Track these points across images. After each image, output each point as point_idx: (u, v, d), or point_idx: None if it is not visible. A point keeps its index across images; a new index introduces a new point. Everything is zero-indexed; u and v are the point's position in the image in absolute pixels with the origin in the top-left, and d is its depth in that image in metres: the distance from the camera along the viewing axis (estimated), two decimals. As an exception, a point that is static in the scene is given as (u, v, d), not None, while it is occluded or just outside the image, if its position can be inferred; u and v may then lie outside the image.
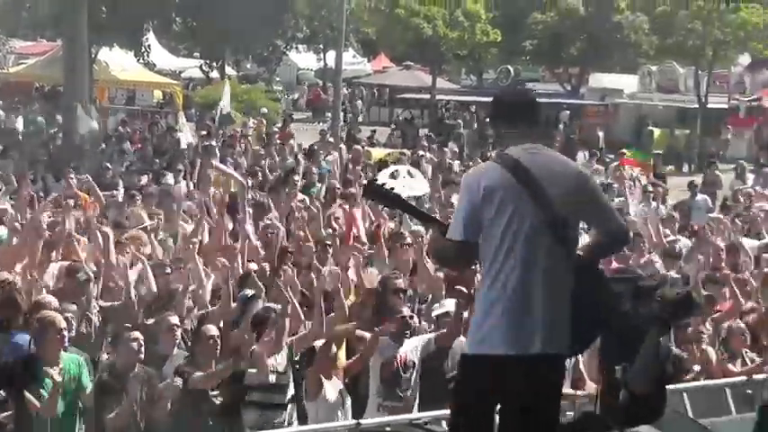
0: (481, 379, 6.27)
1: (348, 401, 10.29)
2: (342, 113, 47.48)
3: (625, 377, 6.77)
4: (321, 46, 60.38)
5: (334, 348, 10.38)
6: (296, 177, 21.00)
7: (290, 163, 24.80)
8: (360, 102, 53.64)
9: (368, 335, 10.45)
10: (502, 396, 6.27)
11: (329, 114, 43.96)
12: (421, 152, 28.79)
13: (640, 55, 48.08)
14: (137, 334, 10.03)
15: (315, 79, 64.63)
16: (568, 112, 46.84)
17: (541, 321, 6.12)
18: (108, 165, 23.52)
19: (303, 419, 10.12)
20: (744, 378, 11.14)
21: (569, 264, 6.20)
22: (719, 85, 47.95)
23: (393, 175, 20.05)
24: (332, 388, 10.13)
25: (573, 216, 6.27)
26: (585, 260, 6.33)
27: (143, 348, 9.96)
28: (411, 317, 10.83)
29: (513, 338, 6.12)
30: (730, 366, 11.42)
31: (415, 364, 10.56)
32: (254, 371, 9.93)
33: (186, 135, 29.47)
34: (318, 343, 10.48)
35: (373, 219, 16.62)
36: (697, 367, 11.33)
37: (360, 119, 49.73)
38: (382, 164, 24.52)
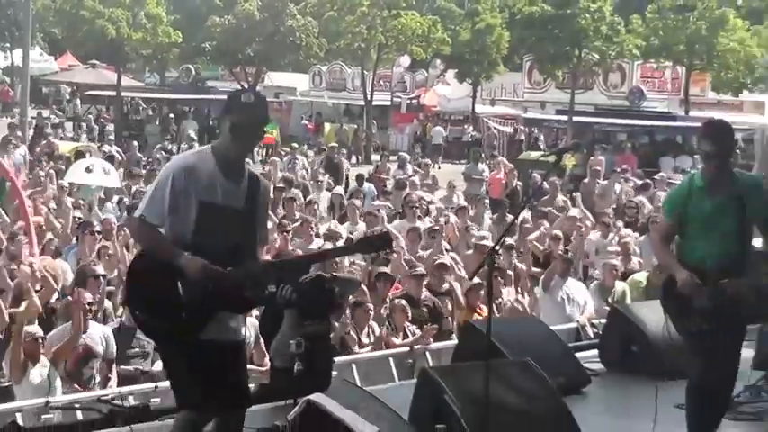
0: None
1: (57, 382, 10.02)
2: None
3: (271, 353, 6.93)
4: (8, 44, 58.37)
5: (37, 332, 10.11)
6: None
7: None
8: (79, 101, 52.01)
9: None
10: None
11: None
12: (107, 147, 28.41)
13: (311, 56, 48.65)
14: None
15: (2, 76, 62.44)
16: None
17: None
18: None
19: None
20: (406, 349, 11.51)
21: None
22: (383, 84, 49.09)
23: (89, 169, 19.84)
24: (37, 371, 9.87)
25: None
26: None
27: None
28: (91, 303, 10.68)
29: None
30: (393, 339, 11.76)
31: (100, 353, 10.43)
32: None
33: None
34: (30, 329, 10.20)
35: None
36: (366, 340, 11.61)
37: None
38: (78, 156, 24.04)
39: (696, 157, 37.54)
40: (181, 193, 6.00)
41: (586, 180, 25.80)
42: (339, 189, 22.98)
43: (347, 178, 28.34)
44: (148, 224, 6.07)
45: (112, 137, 37.48)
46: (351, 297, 11.32)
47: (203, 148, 6.45)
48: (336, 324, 11.21)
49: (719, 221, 6.95)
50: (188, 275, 5.95)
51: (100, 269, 12.04)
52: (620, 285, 14.08)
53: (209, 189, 6.02)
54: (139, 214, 6.10)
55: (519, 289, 14.25)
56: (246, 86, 49.27)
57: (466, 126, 48.11)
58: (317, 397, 7.09)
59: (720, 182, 6.96)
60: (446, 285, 13.18)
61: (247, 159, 6.60)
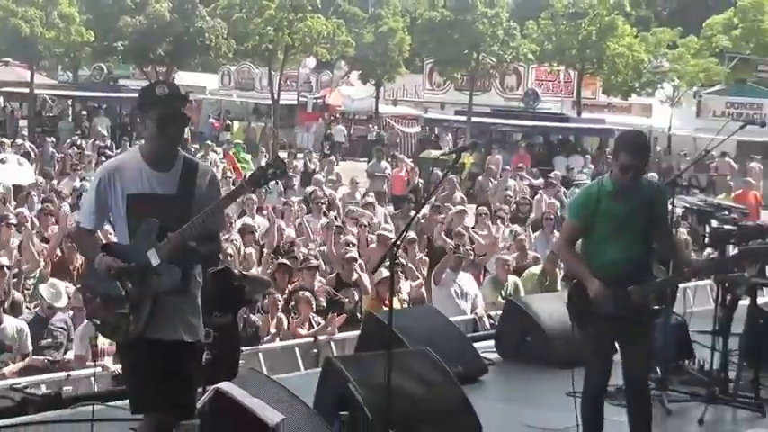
0: None
1: None
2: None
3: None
4: None
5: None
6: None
7: None
8: (2, 98, 51.05)
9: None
10: None
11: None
12: (20, 141, 28.00)
13: (220, 56, 48.31)
14: None
15: None
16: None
17: None
18: None
19: None
20: (311, 339, 11.50)
21: None
22: (289, 84, 48.92)
23: (2, 161, 19.45)
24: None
25: None
26: None
27: None
28: None
29: None
30: (299, 329, 11.73)
31: (13, 347, 10.29)
32: None
33: None
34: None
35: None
36: (273, 331, 11.57)
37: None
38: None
39: (588, 156, 38.19)
40: (108, 193, 5.91)
41: (480, 178, 26.10)
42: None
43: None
44: (81, 229, 6.14)
45: (26, 132, 36.90)
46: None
47: (131, 149, 6.39)
48: (255, 318, 11.23)
49: (629, 225, 6.91)
50: (102, 274, 5.87)
51: (4, 260, 11.81)
52: (512, 279, 14.19)
53: (135, 182, 5.90)
54: (76, 221, 6.14)
55: (417, 282, 14.30)
56: (157, 85, 48.91)
57: (370, 125, 48.19)
58: (225, 385, 7.05)
59: (631, 187, 6.94)
60: (355, 276, 13.20)
61: None
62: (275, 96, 45.40)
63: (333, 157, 32.44)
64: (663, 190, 7.32)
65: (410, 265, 14.30)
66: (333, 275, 13.55)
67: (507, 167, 27.51)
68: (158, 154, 5.94)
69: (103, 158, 25.19)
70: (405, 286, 13.63)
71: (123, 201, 5.89)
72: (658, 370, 8.90)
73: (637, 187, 6.96)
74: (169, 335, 5.89)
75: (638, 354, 7.05)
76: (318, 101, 50.55)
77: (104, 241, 6.33)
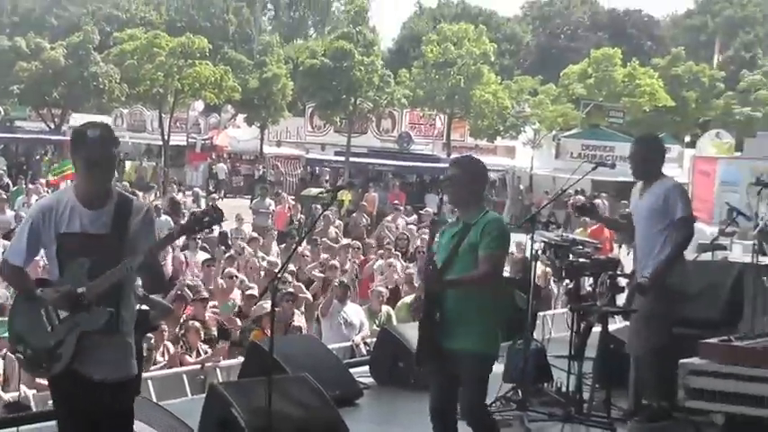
0: None
1: None
2: None
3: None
4: None
5: None
6: None
7: None
8: None
9: None
10: None
11: None
12: None
13: (113, 99, 47.83)
14: None
15: None
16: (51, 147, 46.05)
17: None
18: None
19: None
20: (198, 366, 11.39)
21: None
22: (179, 126, 48.56)
23: None
24: None
25: None
26: None
27: None
28: None
29: None
30: (187, 357, 11.61)
31: None
32: None
33: None
34: None
35: None
36: (161, 359, 11.42)
37: None
38: None
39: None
40: (40, 231, 5.64)
41: (355, 214, 26.29)
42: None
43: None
44: (10, 265, 5.75)
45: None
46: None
47: (66, 188, 6.10)
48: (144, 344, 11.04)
49: (444, 254, 6.69)
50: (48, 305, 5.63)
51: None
52: (385, 308, 14.25)
53: (67, 221, 5.64)
54: (3, 257, 5.86)
55: (302, 311, 14.25)
56: (53, 126, 48.14)
57: (256, 165, 48.10)
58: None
59: (461, 212, 6.78)
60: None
61: None
62: (166, 137, 45.07)
63: (215, 194, 32.22)
64: (489, 220, 6.67)
65: (301, 295, 14.26)
66: (236, 309, 13.51)
67: (398, 206, 27.81)
68: (90, 193, 5.70)
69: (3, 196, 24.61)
70: (297, 315, 13.54)
71: (55, 239, 5.65)
72: (519, 392, 9.00)
73: (467, 217, 6.71)
74: (95, 374, 5.62)
75: (464, 391, 6.74)
76: (206, 142, 50.29)
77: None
